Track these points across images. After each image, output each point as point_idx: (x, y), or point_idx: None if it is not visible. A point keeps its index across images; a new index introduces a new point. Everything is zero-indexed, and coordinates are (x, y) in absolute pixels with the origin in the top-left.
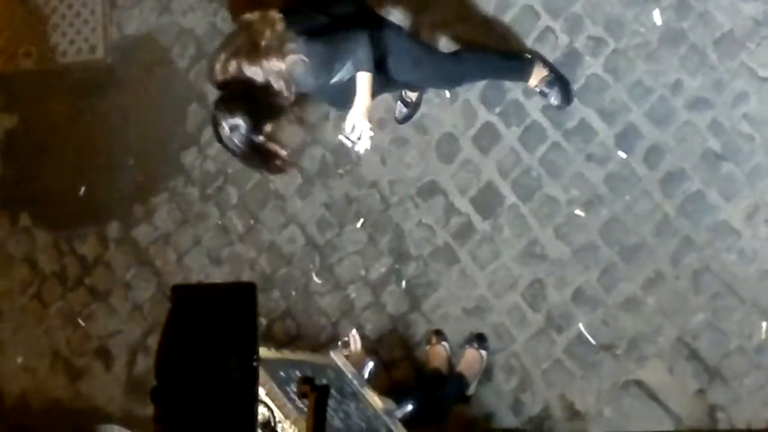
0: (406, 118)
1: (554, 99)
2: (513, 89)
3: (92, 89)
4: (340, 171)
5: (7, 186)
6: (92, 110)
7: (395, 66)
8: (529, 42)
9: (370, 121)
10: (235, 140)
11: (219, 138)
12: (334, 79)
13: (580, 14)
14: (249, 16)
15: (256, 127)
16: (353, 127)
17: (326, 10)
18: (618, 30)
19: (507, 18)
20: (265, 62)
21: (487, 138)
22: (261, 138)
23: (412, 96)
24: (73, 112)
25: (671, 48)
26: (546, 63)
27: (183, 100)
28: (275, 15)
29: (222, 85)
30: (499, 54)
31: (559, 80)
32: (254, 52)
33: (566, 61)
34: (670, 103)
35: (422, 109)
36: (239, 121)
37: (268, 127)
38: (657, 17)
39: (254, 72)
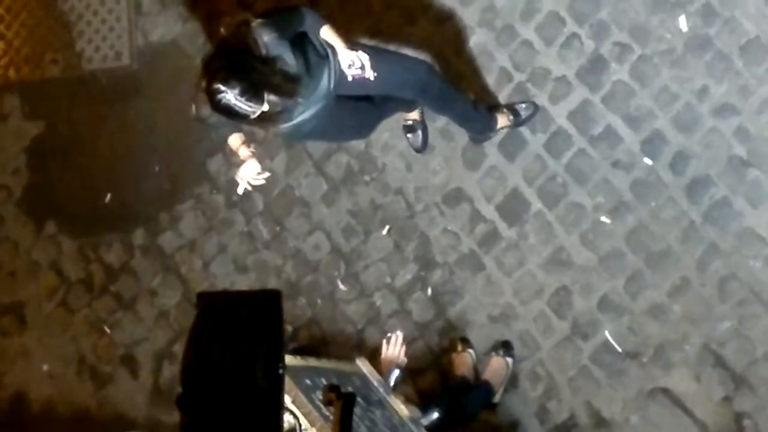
0: (423, 142)
1: (416, 141)
2: (539, 95)
3: (118, 96)
4: (366, 178)
5: (33, 193)
6: (118, 117)
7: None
8: (555, 48)
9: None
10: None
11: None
12: (303, 58)
13: (606, 21)
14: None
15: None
16: (352, 61)
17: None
18: (644, 36)
19: (532, 25)
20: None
21: (512, 145)
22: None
23: (412, 117)
24: (98, 119)
25: (697, 54)
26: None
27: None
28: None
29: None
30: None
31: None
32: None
33: (592, 68)
34: (696, 109)
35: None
36: (235, 84)
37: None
38: (683, 23)
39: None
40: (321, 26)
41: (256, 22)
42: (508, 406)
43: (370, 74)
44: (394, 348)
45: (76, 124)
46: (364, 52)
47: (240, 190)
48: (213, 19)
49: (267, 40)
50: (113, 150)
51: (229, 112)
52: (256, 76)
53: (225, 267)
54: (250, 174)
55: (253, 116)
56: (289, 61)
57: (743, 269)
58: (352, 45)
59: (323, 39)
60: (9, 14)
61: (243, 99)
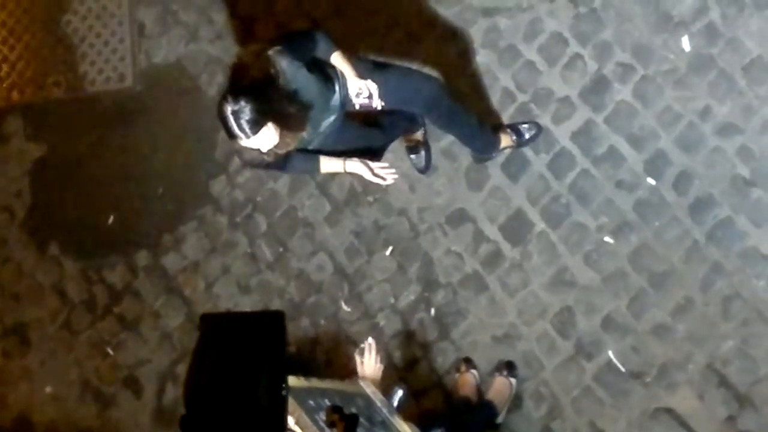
0: (426, 163)
1: (419, 162)
2: (542, 116)
3: (121, 118)
4: (369, 199)
5: (35, 215)
6: (121, 139)
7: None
8: (558, 68)
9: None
10: (242, 122)
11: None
12: (316, 84)
13: (609, 41)
14: None
15: (261, 110)
16: (360, 90)
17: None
18: (647, 56)
19: (535, 45)
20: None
21: (516, 165)
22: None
23: (416, 138)
24: (101, 140)
25: (700, 74)
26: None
27: (211, 128)
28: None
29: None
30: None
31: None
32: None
33: (595, 88)
34: (699, 129)
35: (451, 137)
36: (244, 105)
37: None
38: (686, 43)
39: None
40: (333, 52)
41: (273, 50)
42: (511, 426)
43: (377, 103)
44: (369, 357)
45: (78, 146)
46: (374, 71)
47: (390, 180)
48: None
49: (284, 66)
50: (116, 171)
51: (225, 123)
52: (269, 106)
53: (228, 288)
54: (389, 175)
55: (241, 141)
56: (305, 86)
57: (747, 289)
58: (362, 66)
59: (334, 64)
60: (12, 36)
61: (244, 120)
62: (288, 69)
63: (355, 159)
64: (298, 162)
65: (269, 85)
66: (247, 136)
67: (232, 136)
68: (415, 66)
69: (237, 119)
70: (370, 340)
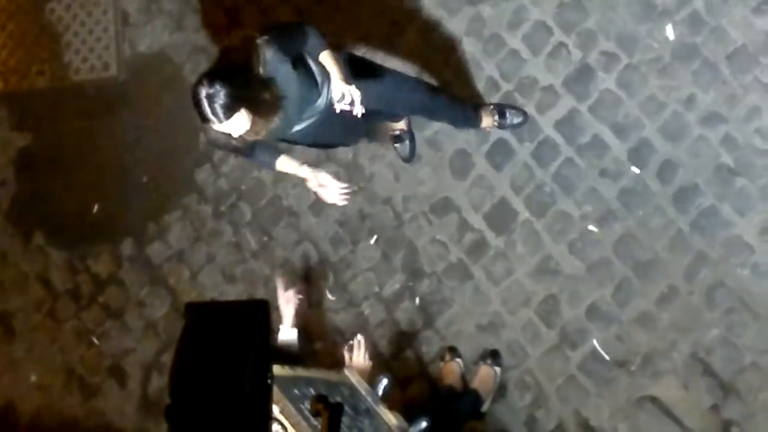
0: (411, 152)
1: (404, 151)
2: (526, 104)
3: (105, 107)
4: (354, 188)
5: (20, 204)
6: (105, 128)
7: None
8: (542, 57)
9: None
10: (216, 106)
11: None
12: (298, 82)
13: (593, 29)
14: None
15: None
16: (343, 95)
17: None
18: (631, 45)
19: (519, 34)
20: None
21: (500, 154)
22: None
23: (400, 127)
24: (86, 129)
25: (684, 63)
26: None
27: (196, 117)
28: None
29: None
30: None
31: (411, 135)
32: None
33: (579, 77)
34: (683, 118)
35: (435, 126)
36: (219, 89)
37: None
38: (670, 32)
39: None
40: (322, 50)
41: (261, 39)
42: (496, 415)
43: (358, 111)
44: (358, 354)
45: (63, 135)
46: (358, 76)
47: (342, 203)
48: (203, 30)
49: (269, 57)
50: (101, 161)
51: (198, 106)
52: (244, 92)
53: (213, 277)
54: (335, 194)
55: (213, 125)
56: (286, 80)
57: (731, 277)
58: (347, 69)
59: (322, 62)
60: None
61: (218, 105)
62: (271, 60)
63: (317, 171)
64: (260, 153)
65: (248, 72)
66: (220, 121)
67: (204, 119)
68: (396, 61)
69: (211, 103)
70: (359, 336)
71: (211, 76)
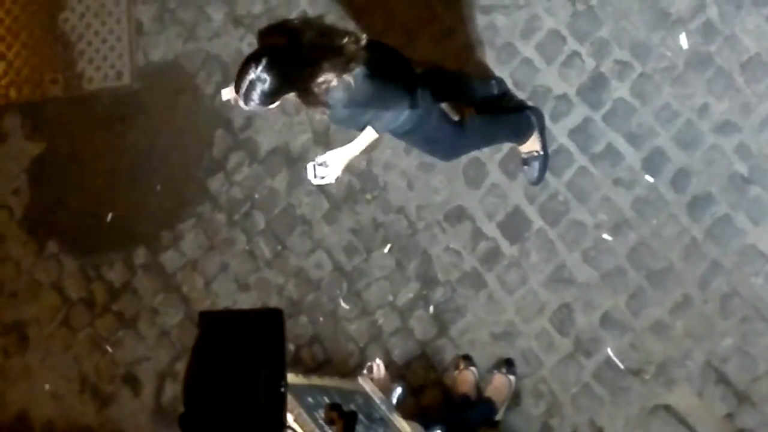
0: (540, 174)
1: (531, 174)
2: None
3: (119, 115)
4: (367, 196)
5: (34, 213)
6: (119, 136)
7: (411, 141)
8: (556, 66)
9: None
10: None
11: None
12: (352, 120)
13: (607, 38)
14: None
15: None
16: (325, 163)
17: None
18: (644, 54)
19: (533, 43)
20: (326, 63)
21: (514, 162)
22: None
23: (534, 148)
24: (99, 138)
25: (698, 72)
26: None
27: (209, 126)
28: (364, 36)
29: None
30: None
31: (543, 158)
32: (329, 42)
33: (592, 86)
34: (697, 126)
35: None
36: (265, 78)
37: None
38: (683, 41)
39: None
40: (378, 126)
41: (359, 69)
42: (510, 423)
43: (315, 181)
44: (378, 374)
45: (77, 144)
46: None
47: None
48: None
49: (363, 58)
50: (114, 169)
51: (238, 81)
52: (292, 86)
53: (227, 286)
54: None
55: (246, 107)
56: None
57: (745, 286)
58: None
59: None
60: (9, 34)
61: (258, 91)
62: (343, 95)
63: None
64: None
65: (318, 61)
66: (253, 105)
67: (241, 95)
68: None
69: (252, 87)
70: (378, 361)
71: (270, 65)
